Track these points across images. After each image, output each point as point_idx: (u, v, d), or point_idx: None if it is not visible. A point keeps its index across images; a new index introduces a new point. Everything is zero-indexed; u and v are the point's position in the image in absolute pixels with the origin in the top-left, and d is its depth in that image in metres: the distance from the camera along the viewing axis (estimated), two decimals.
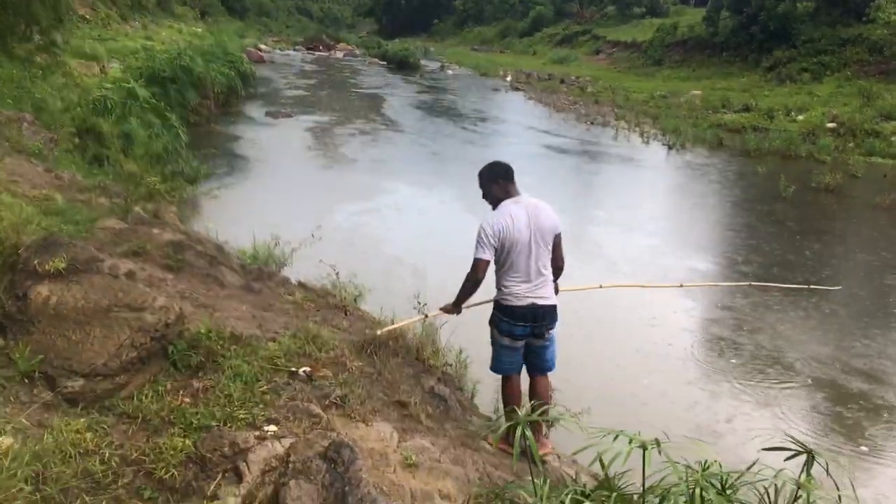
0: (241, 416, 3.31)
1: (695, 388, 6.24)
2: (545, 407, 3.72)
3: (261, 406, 3.43)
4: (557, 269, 4.25)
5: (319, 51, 51.39)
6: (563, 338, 4.56)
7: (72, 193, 6.32)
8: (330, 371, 3.98)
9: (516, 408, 4.01)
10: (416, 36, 74.49)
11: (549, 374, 4.36)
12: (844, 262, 10.06)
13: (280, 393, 3.60)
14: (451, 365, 5.35)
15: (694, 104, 26.58)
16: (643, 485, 2.29)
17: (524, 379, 4.37)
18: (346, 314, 5.11)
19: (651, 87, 32.46)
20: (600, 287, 5.31)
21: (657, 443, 2.23)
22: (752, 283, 5.92)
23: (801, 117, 22.86)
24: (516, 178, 4.28)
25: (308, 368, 3.92)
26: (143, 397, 3.26)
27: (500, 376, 4.31)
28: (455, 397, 4.68)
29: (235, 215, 9.58)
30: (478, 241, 4.04)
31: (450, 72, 41.63)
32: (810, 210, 12.97)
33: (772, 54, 33.21)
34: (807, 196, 13.67)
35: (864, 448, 5.38)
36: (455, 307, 4.30)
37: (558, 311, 4.22)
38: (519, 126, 21.90)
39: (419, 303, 4.80)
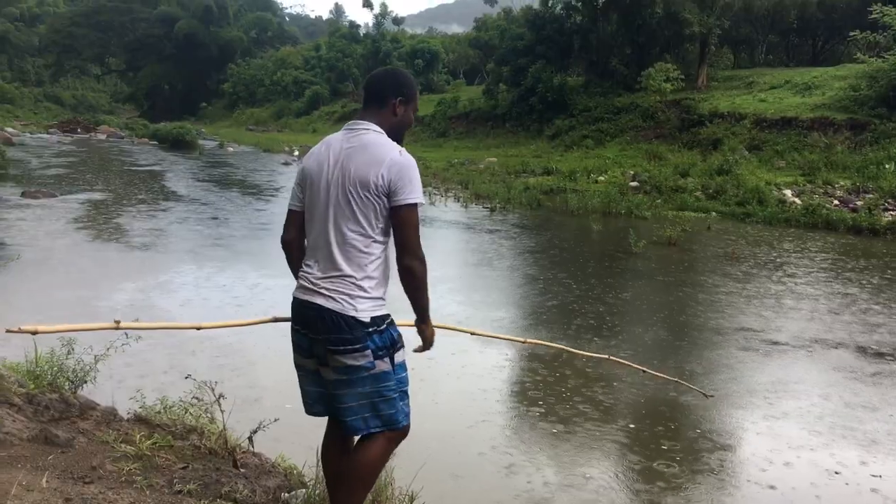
0: None
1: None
2: None
3: None
4: (403, 269, 2.56)
5: (78, 133, 46.39)
6: None
7: None
8: None
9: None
10: (184, 119, 70.28)
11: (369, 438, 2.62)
12: (724, 315, 9.10)
13: None
14: None
15: (494, 169, 26.19)
16: None
17: None
18: (236, 465, 2.85)
19: (444, 156, 32.00)
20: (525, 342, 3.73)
21: None
22: (647, 370, 4.64)
23: (602, 178, 23.03)
24: None
25: None
26: None
27: None
28: None
29: None
30: None
31: (230, 149, 38.95)
32: (667, 263, 12.16)
33: (553, 123, 34.24)
34: (656, 250, 12.95)
35: None
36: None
37: (357, 324, 2.53)
38: None
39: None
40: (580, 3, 36.94)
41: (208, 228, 14.18)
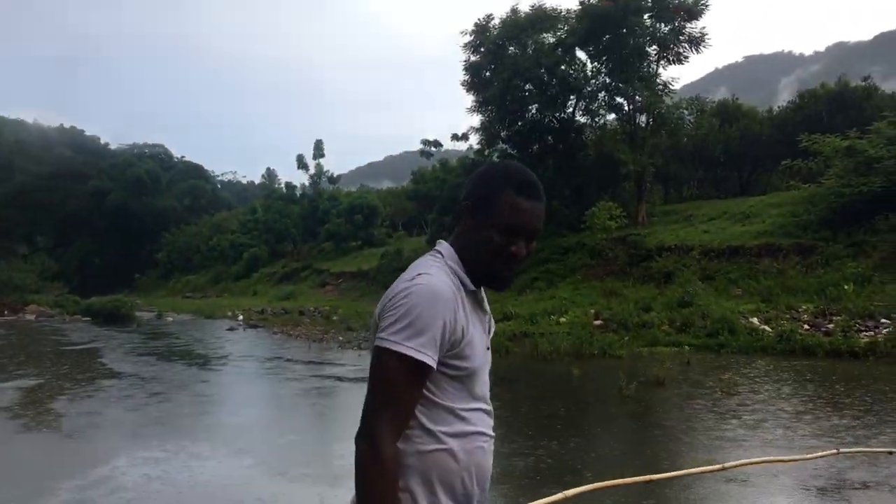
0: None
1: None
2: None
3: None
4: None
5: (4, 315, 44.16)
6: None
7: None
8: None
9: None
10: (117, 292, 68.01)
11: None
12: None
13: None
14: None
15: None
16: None
17: None
18: None
19: None
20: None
21: None
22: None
23: (563, 318, 22.47)
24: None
25: None
26: None
27: None
28: None
29: None
30: None
31: (169, 318, 37.41)
32: (664, 406, 11.35)
33: None
34: (647, 392, 12.13)
35: None
36: None
37: None
38: (279, 360, 18.76)
39: None
40: (516, 151, 37.87)
41: (150, 406, 12.80)
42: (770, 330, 17.84)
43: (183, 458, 8.95)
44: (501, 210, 1.84)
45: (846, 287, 20.10)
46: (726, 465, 3.23)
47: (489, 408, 1.90)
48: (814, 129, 29.81)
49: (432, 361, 1.65)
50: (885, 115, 26.81)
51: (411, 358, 1.62)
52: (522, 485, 7.17)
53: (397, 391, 1.62)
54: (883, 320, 17.39)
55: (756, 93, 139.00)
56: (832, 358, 15.70)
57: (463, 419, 1.77)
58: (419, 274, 1.74)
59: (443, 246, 1.90)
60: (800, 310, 19.67)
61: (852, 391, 11.79)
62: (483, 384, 1.88)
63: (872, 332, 16.71)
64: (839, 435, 8.90)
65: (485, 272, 1.85)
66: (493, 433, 1.89)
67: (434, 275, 1.74)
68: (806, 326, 17.96)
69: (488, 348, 1.92)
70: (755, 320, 18.96)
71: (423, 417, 1.69)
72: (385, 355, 1.64)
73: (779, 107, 44.13)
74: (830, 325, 17.56)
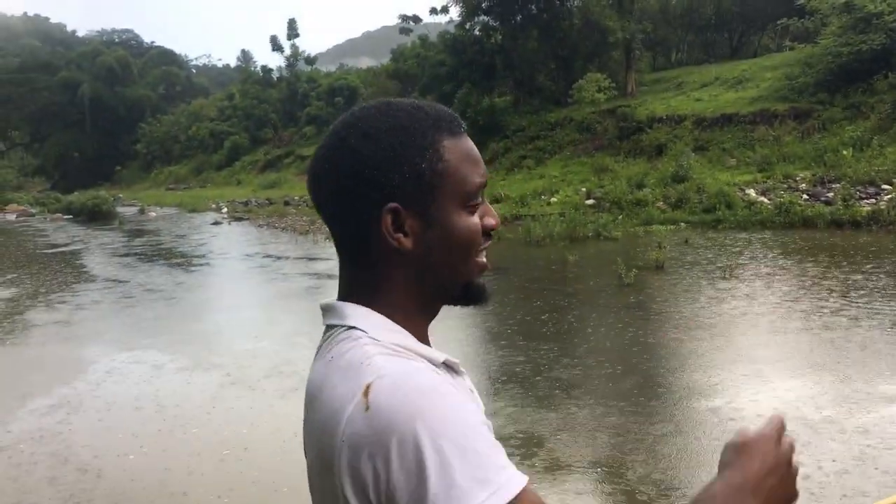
0: None
1: None
2: None
3: None
4: None
5: None
6: None
7: None
8: None
9: None
10: (99, 186, 66.58)
11: None
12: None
13: None
14: None
15: None
16: None
17: None
18: None
19: None
20: None
21: None
22: None
23: (554, 199, 21.92)
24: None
25: None
26: None
27: None
28: None
29: None
30: None
31: (152, 214, 36.69)
32: (667, 293, 10.93)
33: (488, 147, 33.10)
34: (647, 278, 11.69)
35: None
36: None
37: None
38: (267, 258, 18.22)
39: None
40: (498, 23, 36.15)
41: (125, 311, 12.32)
42: (768, 202, 17.37)
43: (153, 373, 8.49)
44: (457, 171, 0.96)
45: (845, 152, 19.48)
46: None
47: None
48: None
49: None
50: None
51: (522, 493, 0.77)
52: (541, 395, 6.78)
53: None
54: (884, 186, 16.91)
55: None
56: (833, 228, 15.32)
57: None
58: (368, 387, 0.81)
59: (355, 316, 0.95)
60: (797, 178, 19.15)
61: (856, 266, 11.40)
62: None
63: (874, 200, 16.26)
64: (837, 318, 8.53)
65: (465, 286, 1.00)
66: None
67: (390, 363, 0.85)
68: (805, 196, 17.47)
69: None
70: (752, 192, 18.45)
71: None
72: None
73: None
74: (830, 194, 17.07)
